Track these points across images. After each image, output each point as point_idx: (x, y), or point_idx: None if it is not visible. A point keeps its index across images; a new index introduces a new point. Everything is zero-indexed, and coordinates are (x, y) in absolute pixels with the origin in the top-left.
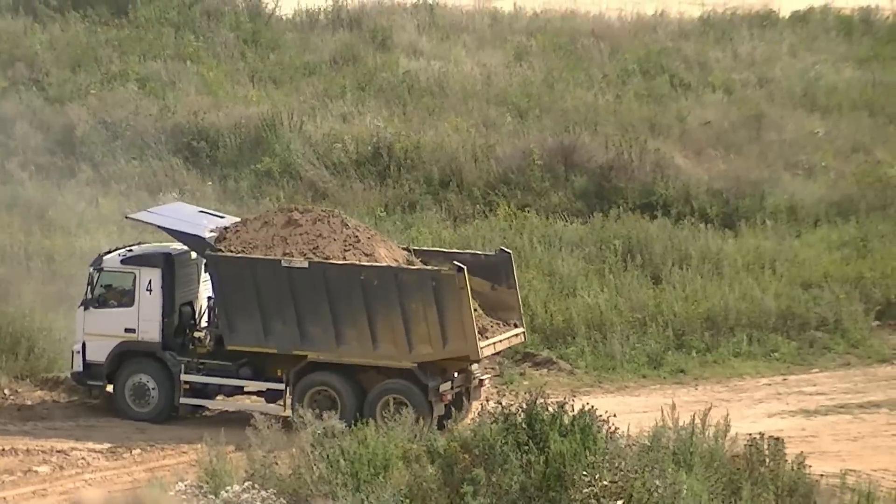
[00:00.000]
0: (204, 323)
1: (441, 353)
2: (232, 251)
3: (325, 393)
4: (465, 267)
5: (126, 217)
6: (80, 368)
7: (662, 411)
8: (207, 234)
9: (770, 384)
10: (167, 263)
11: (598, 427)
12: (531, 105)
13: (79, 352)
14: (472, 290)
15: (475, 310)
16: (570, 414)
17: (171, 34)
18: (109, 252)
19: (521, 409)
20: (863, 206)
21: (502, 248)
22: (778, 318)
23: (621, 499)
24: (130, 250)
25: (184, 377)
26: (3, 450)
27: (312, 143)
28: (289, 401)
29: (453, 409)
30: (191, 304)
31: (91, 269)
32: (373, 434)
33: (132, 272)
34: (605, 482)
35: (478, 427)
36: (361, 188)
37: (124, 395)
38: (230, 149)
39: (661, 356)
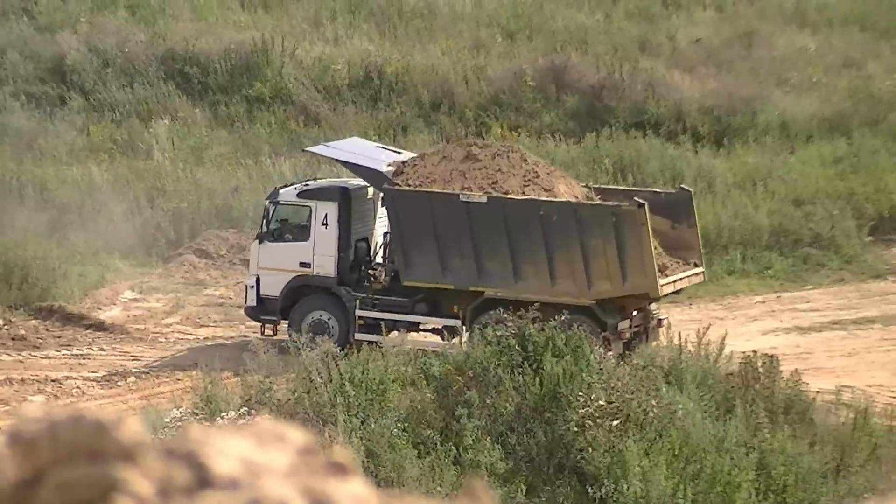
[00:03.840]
0: (379, 259)
1: (620, 290)
2: (410, 185)
3: None
4: (645, 203)
5: (303, 150)
6: (254, 303)
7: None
8: (385, 168)
9: (764, 301)
10: (344, 197)
11: (591, 348)
12: (521, 26)
13: (252, 286)
14: (652, 228)
15: (655, 248)
16: (563, 335)
17: None
18: (286, 186)
19: (512, 332)
20: (855, 122)
21: (682, 185)
22: (771, 235)
23: (617, 419)
24: (307, 184)
25: (359, 312)
26: None
27: (304, 68)
28: (465, 337)
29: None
30: (366, 239)
31: (267, 203)
32: (370, 359)
33: (308, 206)
34: (601, 402)
35: (471, 349)
36: (353, 112)
37: (301, 330)
38: (221, 74)
39: None
